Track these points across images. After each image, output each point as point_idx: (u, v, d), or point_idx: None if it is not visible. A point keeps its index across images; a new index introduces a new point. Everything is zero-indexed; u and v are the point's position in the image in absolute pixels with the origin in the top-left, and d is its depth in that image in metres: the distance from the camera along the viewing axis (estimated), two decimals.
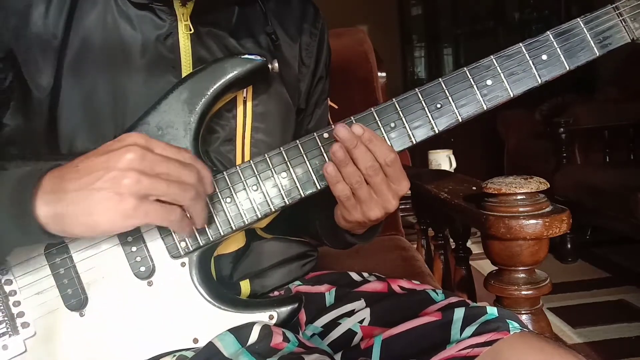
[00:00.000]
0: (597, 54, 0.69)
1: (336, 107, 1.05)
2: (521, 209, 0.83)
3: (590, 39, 0.69)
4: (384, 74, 1.87)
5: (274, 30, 0.82)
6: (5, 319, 0.66)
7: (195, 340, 0.68)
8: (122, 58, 0.72)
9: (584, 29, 0.69)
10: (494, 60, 0.69)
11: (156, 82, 0.73)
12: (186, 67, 0.74)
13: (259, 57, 0.70)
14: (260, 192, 0.69)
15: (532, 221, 0.81)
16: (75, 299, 0.67)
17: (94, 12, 0.73)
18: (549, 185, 0.87)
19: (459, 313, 0.71)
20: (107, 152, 0.57)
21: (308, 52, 0.87)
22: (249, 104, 0.76)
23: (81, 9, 0.72)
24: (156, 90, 0.72)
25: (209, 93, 0.69)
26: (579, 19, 0.69)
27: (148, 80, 0.73)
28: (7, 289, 0.66)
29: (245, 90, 0.75)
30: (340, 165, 0.66)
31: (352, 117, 0.69)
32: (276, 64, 0.73)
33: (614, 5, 0.69)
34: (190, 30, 0.75)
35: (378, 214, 0.69)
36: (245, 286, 0.80)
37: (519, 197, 0.84)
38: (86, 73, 0.71)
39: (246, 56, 0.70)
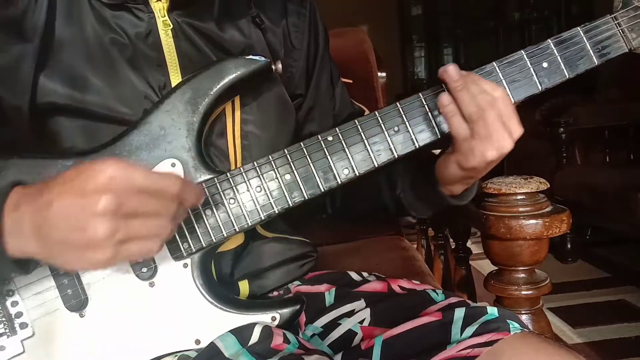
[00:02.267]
0: (596, 63, 0.70)
1: (350, 81, 1.03)
2: (521, 209, 0.83)
3: (589, 48, 0.70)
4: (384, 74, 1.87)
5: (257, 14, 0.80)
6: (3, 319, 0.66)
7: (197, 342, 0.68)
8: (107, 61, 0.72)
9: (584, 37, 0.70)
10: (496, 66, 0.70)
11: (144, 82, 0.72)
12: (172, 64, 0.74)
13: (263, 58, 0.70)
14: (264, 194, 0.69)
15: (532, 221, 0.81)
16: (76, 299, 0.67)
17: (72, 18, 0.72)
18: (549, 185, 0.87)
19: (459, 313, 0.71)
20: (82, 193, 0.52)
21: (297, 34, 0.85)
22: (237, 96, 0.75)
23: (61, 15, 0.72)
24: (144, 89, 0.71)
25: (212, 93, 0.69)
26: (578, 28, 0.70)
27: (135, 81, 0.72)
28: (4, 288, 0.66)
29: None
30: (455, 90, 0.66)
31: (356, 121, 0.69)
32: (280, 65, 0.72)
33: (613, 15, 0.70)
34: (170, 25, 0.74)
35: (495, 154, 0.67)
36: (244, 287, 0.80)
37: (519, 197, 0.84)
38: (75, 78, 0.71)
39: (250, 57, 0.70)
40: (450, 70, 0.66)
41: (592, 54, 0.70)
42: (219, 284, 0.74)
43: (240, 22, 0.79)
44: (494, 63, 0.70)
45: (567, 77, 0.70)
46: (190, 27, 0.76)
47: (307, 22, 0.86)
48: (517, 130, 0.68)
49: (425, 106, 0.69)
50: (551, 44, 0.70)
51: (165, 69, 0.73)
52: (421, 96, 0.69)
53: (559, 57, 0.69)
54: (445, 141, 0.72)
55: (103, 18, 0.73)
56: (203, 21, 0.77)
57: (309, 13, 0.86)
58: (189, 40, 0.75)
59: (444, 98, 0.67)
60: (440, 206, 0.80)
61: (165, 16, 0.74)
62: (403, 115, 0.69)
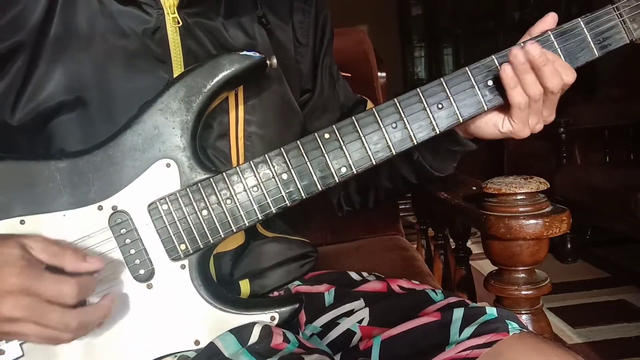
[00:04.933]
0: (597, 55, 0.69)
1: (349, 75, 1.04)
2: (521, 209, 0.83)
3: (590, 39, 0.68)
4: (384, 74, 1.86)
5: (263, 14, 0.81)
6: None
7: (197, 342, 0.68)
8: (109, 55, 0.72)
9: (585, 29, 0.69)
10: (495, 60, 0.69)
11: (145, 78, 0.72)
12: (177, 61, 0.74)
13: (257, 54, 0.69)
14: (260, 193, 0.68)
15: (532, 221, 0.81)
16: None
17: (77, 10, 0.72)
18: (549, 185, 0.87)
19: (458, 313, 0.70)
20: None
21: (303, 31, 0.86)
22: (240, 97, 0.76)
23: (65, 8, 0.72)
24: (146, 86, 0.71)
25: (206, 90, 0.68)
26: (579, 19, 0.69)
27: (137, 77, 0.72)
28: None
29: None
30: (520, 72, 0.67)
31: (353, 117, 0.69)
32: (274, 60, 0.72)
33: (614, 6, 0.68)
34: (179, 23, 0.74)
35: (540, 127, 0.73)
36: (244, 286, 0.79)
37: (519, 197, 0.84)
38: (74, 71, 0.71)
39: (244, 52, 0.69)
40: (534, 50, 0.66)
41: (593, 46, 0.69)
42: (220, 284, 0.73)
43: (245, 22, 0.80)
44: (493, 56, 0.69)
45: None
46: (197, 25, 0.76)
47: (312, 18, 0.87)
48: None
49: (424, 102, 0.69)
50: (551, 35, 0.69)
51: (170, 66, 0.73)
52: (419, 92, 0.69)
53: (559, 50, 0.69)
54: (443, 136, 0.72)
55: (109, 12, 0.72)
56: (210, 20, 0.77)
57: (314, 10, 0.88)
58: (195, 38, 0.75)
59: (507, 69, 0.67)
60: (461, 153, 0.82)
61: (174, 13, 0.74)
62: (401, 112, 0.69)
